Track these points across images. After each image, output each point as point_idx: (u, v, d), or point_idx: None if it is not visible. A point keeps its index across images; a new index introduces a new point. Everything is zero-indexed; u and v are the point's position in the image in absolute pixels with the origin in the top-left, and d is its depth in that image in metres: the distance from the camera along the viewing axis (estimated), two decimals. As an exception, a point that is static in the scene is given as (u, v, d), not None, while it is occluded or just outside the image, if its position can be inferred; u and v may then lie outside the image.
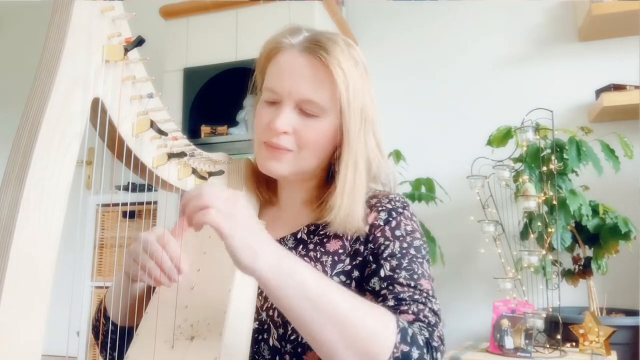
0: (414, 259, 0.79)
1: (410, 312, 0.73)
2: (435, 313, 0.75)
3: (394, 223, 0.83)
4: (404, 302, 0.74)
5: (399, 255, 0.79)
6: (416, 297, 0.75)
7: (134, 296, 0.84)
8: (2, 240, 0.51)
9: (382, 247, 0.80)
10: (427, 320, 0.72)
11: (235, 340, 0.74)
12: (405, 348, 0.65)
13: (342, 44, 0.84)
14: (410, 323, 0.71)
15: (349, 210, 0.82)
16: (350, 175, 0.83)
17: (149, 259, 0.75)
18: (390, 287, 0.76)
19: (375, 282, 0.78)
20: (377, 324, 0.66)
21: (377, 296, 0.77)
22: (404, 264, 0.78)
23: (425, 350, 0.67)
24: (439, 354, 0.69)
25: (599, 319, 1.67)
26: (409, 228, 0.83)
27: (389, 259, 0.79)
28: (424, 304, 0.75)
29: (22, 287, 0.52)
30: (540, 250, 1.79)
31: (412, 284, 0.76)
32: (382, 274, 0.78)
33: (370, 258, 0.81)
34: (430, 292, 0.77)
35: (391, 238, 0.81)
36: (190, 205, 0.66)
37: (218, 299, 0.75)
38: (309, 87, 0.82)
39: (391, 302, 0.75)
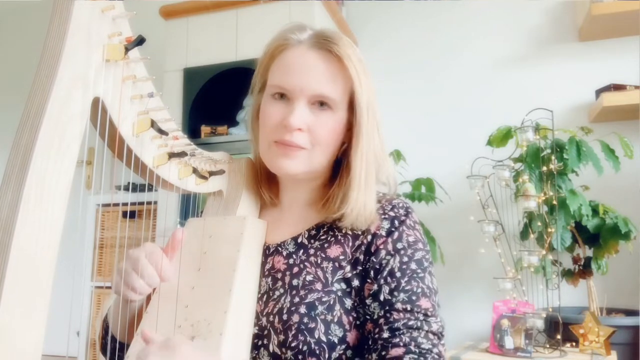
0: (414, 275, 0.79)
1: (401, 344, 0.73)
2: (433, 334, 0.75)
3: (396, 235, 0.82)
4: (397, 332, 0.74)
5: (398, 273, 0.78)
6: (411, 322, 0.75)
7: (134, 311, 0.83)
8: (2, 240, 0.51)
9: (383, 263, 0.79)
10: (418, 350, 0.73)
11: (236, 341, 0.74)
12: None
13: (346, 41, 0.85)
14: (399, 359, 0.72)
15: (361, 204, 0.81)
16: (364, 167, 0.83)
17: (138, 278, 0.76)
18: (387, 315, 0.76)
19: (375, 307, 0.78)
20: None
21: (375, 325, 0.77)
22: (403, 284, 0.78)
23: None
24: None
25: (599, 319, 1.67)
26: (411, 239, 0.82)
27: (388, 279, 0.78)
28: (420, 328, 0.75)
29: (22, 287, 0.51)
30: (540, 250, 1.79)
31: (409, 307, 0.76)
32: (381, 297, 0.78)
33: (372, 274, 0.80)
34: (430, 312, 0.77)
35: (392, 252, 0.80)
36: None
37: (219, 299, 0.75)
38: (323, 81, 0.82)
39: (385, 334, 0.75)
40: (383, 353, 0.73)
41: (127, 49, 0.65)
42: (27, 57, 2.02)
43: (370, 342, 0.77)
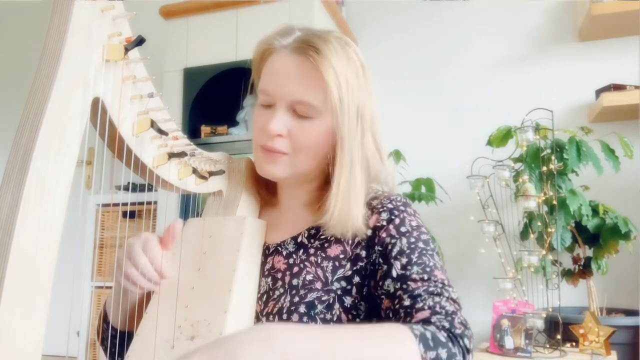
0: (424, 252, 0.78)
1: (426, 307, 0.71)
2: (453, 300, 0.73)
3: (397, 221, 0.81)
4: (419, 298, 0.72)
5: (408, 251, 0.77)
6: (431, 289, 0.73)
7: (133, 301, 0.83)
8: (2, 240, 0.51)
9: (390, 246, 0.79)
10: (444, 311, 0.70)
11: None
12: (432, 354, 0.62)
13: (334, 43, 0.82)
14: (427, 321, 0.69)
15: (344, 212, 0.80)
16: (345, 176, 0.81)
17: (131, 266, 0.76)
18: (404, 286, 0.74)
19: (389, 284, 0.76)
20: (397, 348, 0.62)
21: (393, 298, 0.75)
22: (414, 259, 0.76)
23: (450, 345, 0.65)
24: (465, 340, 0.67)
25: (598, 319, 1.67)
26: (413, 224, 0.82)
27: (398, 257, 0.77)
28: (440, 294, 0.73)
29: (22, 287, 0.52)
30: (540, 250, 1.79)
31: (426, 277, 0.75)
32: (394, 273, 0.76)
33: (380, 260, 0.79)
34: (446, 282, 0.75)
35: (397, 235, 0.79)
36: None
37: (218, 299, 0.75)
38: (301, 88, 0.81)
39: (407, 302, 0.73)
40: (408, 319, 0.71)
41: (127, 49, 0.65)
42: (27, 57, 2.02)
43: (390, 315, 0.74)
